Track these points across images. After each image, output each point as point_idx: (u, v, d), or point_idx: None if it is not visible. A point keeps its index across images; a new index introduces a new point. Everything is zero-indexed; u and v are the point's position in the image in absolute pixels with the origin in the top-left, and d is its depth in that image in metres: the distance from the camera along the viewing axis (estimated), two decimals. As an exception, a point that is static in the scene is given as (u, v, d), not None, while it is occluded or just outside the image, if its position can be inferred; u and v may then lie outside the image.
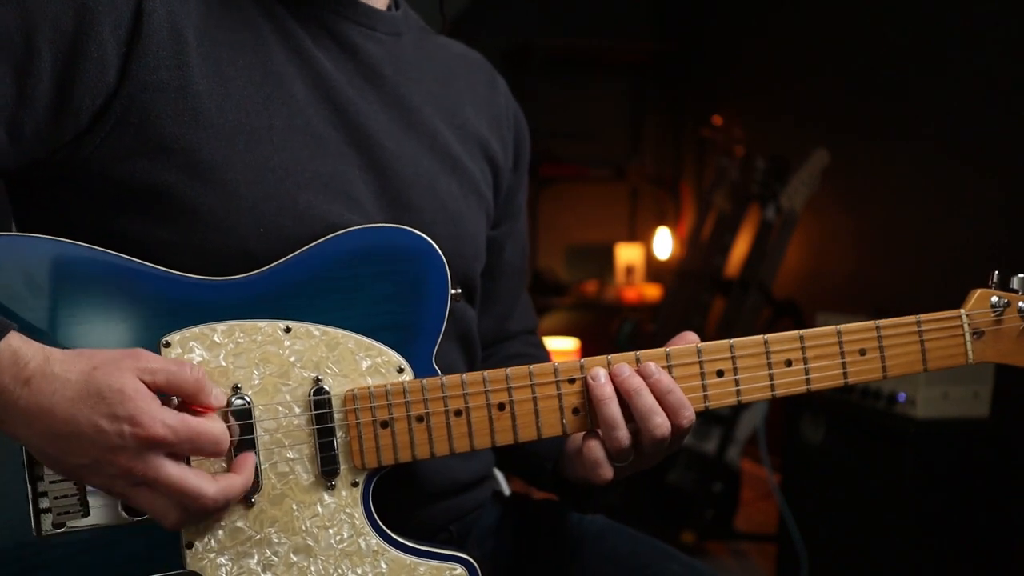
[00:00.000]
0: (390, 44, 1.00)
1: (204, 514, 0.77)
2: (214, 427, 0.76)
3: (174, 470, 0.74)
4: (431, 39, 1.10)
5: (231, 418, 0.82)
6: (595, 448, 0.89)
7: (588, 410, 0.89)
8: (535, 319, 1.26)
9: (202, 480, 0.75)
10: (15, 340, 0.73)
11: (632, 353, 0.90)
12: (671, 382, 0.88)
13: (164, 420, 0.73)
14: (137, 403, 0.72)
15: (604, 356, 0.90)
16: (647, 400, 0.87)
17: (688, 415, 0.88)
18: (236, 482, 0.78)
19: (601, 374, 0.88)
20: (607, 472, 0.90)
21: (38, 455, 0.76)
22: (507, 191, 1.14)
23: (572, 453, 0.99)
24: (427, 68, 1.05)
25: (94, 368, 0.73)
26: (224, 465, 0.81)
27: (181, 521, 0.76)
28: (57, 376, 0.72)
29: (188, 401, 0.78)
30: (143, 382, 0.74)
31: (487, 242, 1.10)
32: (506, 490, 1.28)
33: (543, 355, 1.22)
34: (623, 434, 0.87)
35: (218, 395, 0.79)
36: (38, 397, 0.72)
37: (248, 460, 0.81)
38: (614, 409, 0.87)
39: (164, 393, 0.76)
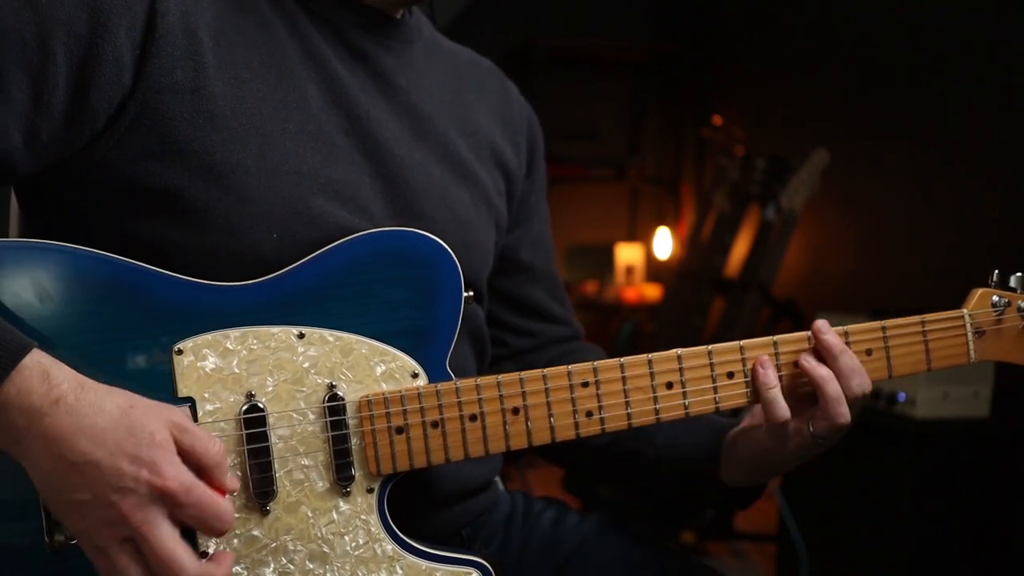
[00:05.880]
0: (402, 52, 1.00)
1: None
2: (224, 506, 0.74)
3: (168, 533, 0.71)
4: (441, 46, 1.10)
5: (243, 427, 0.81)
6: (806, 436, 0.92)
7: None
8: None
9: (188, 556, 0.72)
10: (44, 359, 0.72)
11: (644, 356, 0.90)
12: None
13: (181, 478, 0.71)
14: (164, 452, 0.71)
15: (617, 360, 0.90)
16: (852, 360, 0.90)
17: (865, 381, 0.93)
18: (216, 573, 0.74)
19: (769, 365, 0.91)
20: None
21: (38, 483, 0.73)
22: (520, 197, 1.13)
23: (747, 454, 0.98)
24: (438, 76, 1.04)
25: (131, 406, 0.72)
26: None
27: None
28: (92, 403, 0.71)
29: (201, 473, 0.75)
30: (172, 435, 0.73)
31: (502, 248, 1.10)
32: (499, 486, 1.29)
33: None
34: (847, 409, 0.90)
35: (232, 480, 0.78)
36: (64, 420, 0.70)
37: (228, 558, 0.77)
38: (837, 385, 0.90)
39: (183, 456, 0.74)
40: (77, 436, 0.70)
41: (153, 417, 0.72)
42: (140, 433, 0.71)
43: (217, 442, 0.75)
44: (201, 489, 0.72)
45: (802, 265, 3.49)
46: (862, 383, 0.91)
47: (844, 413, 0.89)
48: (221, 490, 0.76)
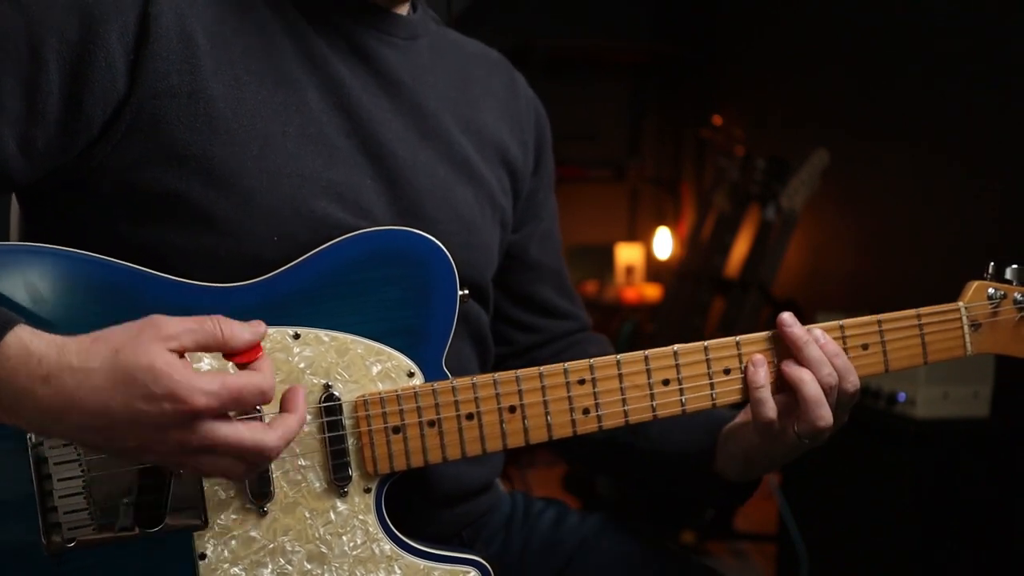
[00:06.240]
0: (406, 49, 0.99)
1: (269, 462, 0.76)
2: (255, 378, 0.71)
3: (229, 431, 0.70)
4: (447, 39, 1.08)
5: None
6: (790, 436, 0.91)
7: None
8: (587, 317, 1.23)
9: (260, 433, 0.72)
10: (25, 334, 0.69)
11: (641, 353, 0.90)
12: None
13: (203, 388, 0.68)
14: (172, 377, 0.68)
15: (613, 356, 0.90)
16: (817, 351, 0.89)
17: (852, 380, 0.91)
18: (292, 422, 0.75)
19: (761, 364, 0.90)
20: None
21: (81, 445, 0.73)
22: (528, 194, 1.13)
23: (737, 450, 0.97)
24: (444, 72, 1.03)
25: (116, 351, 0.69)
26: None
27: (249, 474, 0.75)
28: (77, 368, 0.68)
29: (224, 353, 0.74)
30: (170, 351, 0.70)
31: (510, 245, 1.10)
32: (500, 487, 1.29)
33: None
34: (827, 411, 0.89)
35: (255, 326, 0.74)
36: (61, 393, 0.68)
37: (297, 395, 0.77)
38: (816, 386, 0.88)
39: (196, 354, 0.72)
40: (83, 404, 0.68)
41: (142, 349, 0.69)
42: (138, 371, 0.68)
43: (209, 320, 0.72)
44: (227, 386, 0.70)
45: (802, 265, 3.48)
46: (833, 373, 0.89)
47: (823, 415, 0.88)
48: (252, 353, 0.73)
